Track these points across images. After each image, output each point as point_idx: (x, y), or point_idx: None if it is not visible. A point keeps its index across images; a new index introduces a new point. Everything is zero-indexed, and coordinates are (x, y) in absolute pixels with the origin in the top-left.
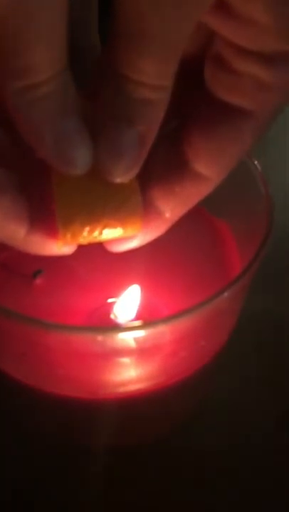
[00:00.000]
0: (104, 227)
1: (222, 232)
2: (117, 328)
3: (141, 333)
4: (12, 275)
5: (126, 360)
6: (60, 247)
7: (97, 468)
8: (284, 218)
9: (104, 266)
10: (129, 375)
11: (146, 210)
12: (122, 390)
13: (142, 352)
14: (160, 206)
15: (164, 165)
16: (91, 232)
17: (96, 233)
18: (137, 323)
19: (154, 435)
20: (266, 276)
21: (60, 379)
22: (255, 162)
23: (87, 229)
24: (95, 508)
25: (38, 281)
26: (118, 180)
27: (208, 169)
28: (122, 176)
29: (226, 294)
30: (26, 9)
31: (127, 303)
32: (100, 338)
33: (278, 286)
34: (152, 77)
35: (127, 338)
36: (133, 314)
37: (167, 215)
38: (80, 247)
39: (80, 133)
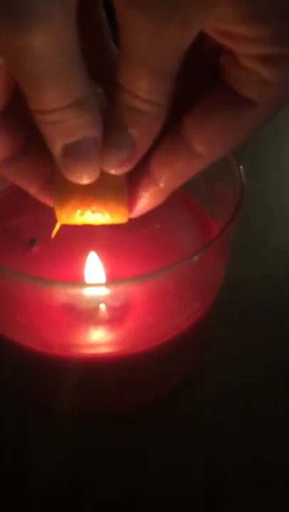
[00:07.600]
0: (93, 211)
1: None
2: (80, 283)
3: (103, 291)
4: (12, 243)
5: (93, 320)
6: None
7: (60, 431)
8: None
9: (98, 242)
10: (97, 336)
11: (144, 177)
12: (89, 351)
13: (107, 313)
14: (156, 175)
15: (164, 139)
16: (82, 214)
17: (86, 216)
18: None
19: (124, 404)
20: None
21: (32, 332)
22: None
23: (78, 212)
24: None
25: (35, 249)
26: (111, 171)
27: (205, 149)
28: (115, 169)
29: (183, 263)
30: (38, 57)
31: (93, 271)
32: (66, 291)
33: None
34: (144, 92)
35: (91, 295)
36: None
37: (162, 185)
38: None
39: (88, 151)
